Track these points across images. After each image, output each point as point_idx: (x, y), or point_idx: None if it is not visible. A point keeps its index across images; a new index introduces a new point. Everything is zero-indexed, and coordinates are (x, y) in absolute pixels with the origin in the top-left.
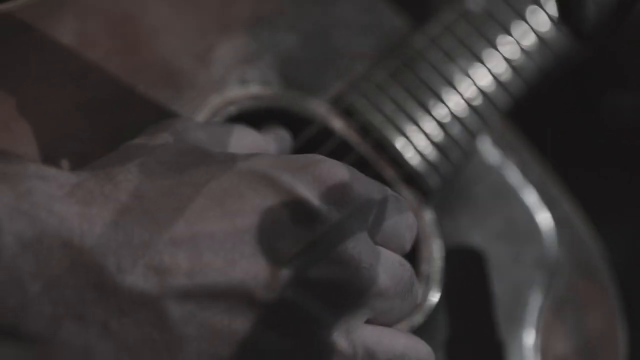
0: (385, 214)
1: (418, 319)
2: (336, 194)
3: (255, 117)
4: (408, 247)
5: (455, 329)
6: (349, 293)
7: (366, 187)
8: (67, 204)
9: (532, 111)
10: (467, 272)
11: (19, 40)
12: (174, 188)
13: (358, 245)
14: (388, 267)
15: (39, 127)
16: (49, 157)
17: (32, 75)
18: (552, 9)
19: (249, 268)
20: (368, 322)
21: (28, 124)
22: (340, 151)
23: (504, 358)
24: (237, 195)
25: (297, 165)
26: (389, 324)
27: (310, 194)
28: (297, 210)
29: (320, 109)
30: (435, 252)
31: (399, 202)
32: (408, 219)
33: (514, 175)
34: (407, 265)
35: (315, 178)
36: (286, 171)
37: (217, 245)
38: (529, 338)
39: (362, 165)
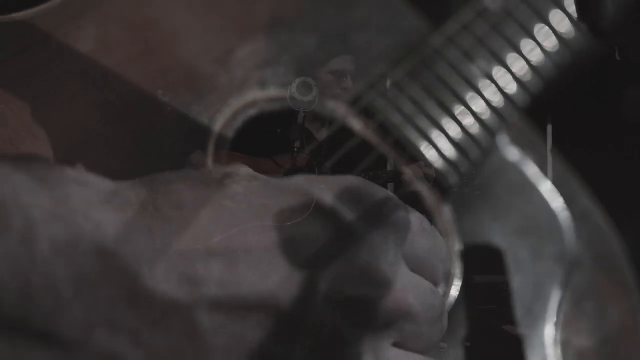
0: (420, 242)
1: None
2: (374, 215)
3: (275, 118)
4: (440, 280)
5: (476, 324)
6: (378, 313)
7: (404, 211)
8: (103, 211)
9: (536, 105)
10: (487, 269)
11: (39, 48)
12: (215, 200)
13: (392, 266)
14: (420, 292)
15: (62, 131)
16: (72, 160)
17: (53, 82)
18: (572, 8)
19: (282, 283)
20: (396, 345)
21: (51, 128)
22: (360, 151)
23: (524, 353)
24: (277, 210)
25: (337, 184)
26: (416, 350)
27: (348, 212)
28: (334, 227)
29: (339, 109)
30: (454, 249)
31: (435, 235)
32: (442, 252)
33: (532, 172)
34: (439, 293)
35: (355, 197)
36: (326, 189)
37: (252, 258)
38: (550, 333)
39: (382, 164)
